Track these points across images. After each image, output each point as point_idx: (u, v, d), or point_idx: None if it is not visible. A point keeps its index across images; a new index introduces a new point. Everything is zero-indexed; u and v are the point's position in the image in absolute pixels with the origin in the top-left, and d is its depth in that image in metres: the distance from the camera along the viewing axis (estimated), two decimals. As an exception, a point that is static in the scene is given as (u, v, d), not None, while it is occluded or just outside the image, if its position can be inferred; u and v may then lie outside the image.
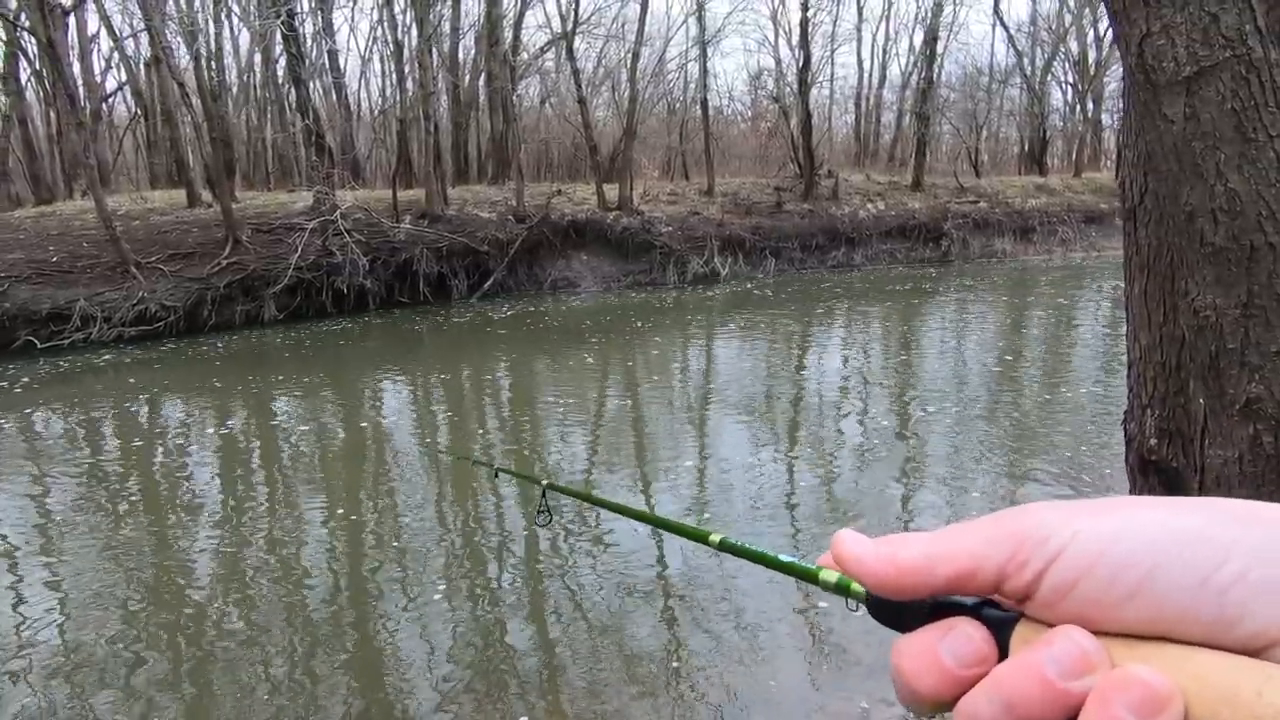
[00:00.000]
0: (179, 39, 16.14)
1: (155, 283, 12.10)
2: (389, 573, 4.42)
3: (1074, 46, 24.34)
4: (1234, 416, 1.30)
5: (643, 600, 3.97)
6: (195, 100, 15.49)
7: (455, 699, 3.26)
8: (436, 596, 4.10)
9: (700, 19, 19.36)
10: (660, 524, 0.63)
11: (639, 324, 12.77)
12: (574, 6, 17.77)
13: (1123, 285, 1.78)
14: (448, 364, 10.39)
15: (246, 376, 9.73)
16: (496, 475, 1.65)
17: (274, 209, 14.56)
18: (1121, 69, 1.53)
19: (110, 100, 21.03)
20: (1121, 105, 1.88)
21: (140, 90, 19.09)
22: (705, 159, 19.21)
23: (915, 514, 5.10)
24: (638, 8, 17.98)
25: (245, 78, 22.17)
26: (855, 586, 0.30)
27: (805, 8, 19.30)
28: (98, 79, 19.64)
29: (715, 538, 0.49)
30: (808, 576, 0.33)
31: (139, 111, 20.12)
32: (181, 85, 15.00)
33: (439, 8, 17.71)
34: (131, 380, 9.63)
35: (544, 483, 1.11)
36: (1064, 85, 25.93)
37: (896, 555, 0.27)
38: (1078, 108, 25.05)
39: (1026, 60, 24.35)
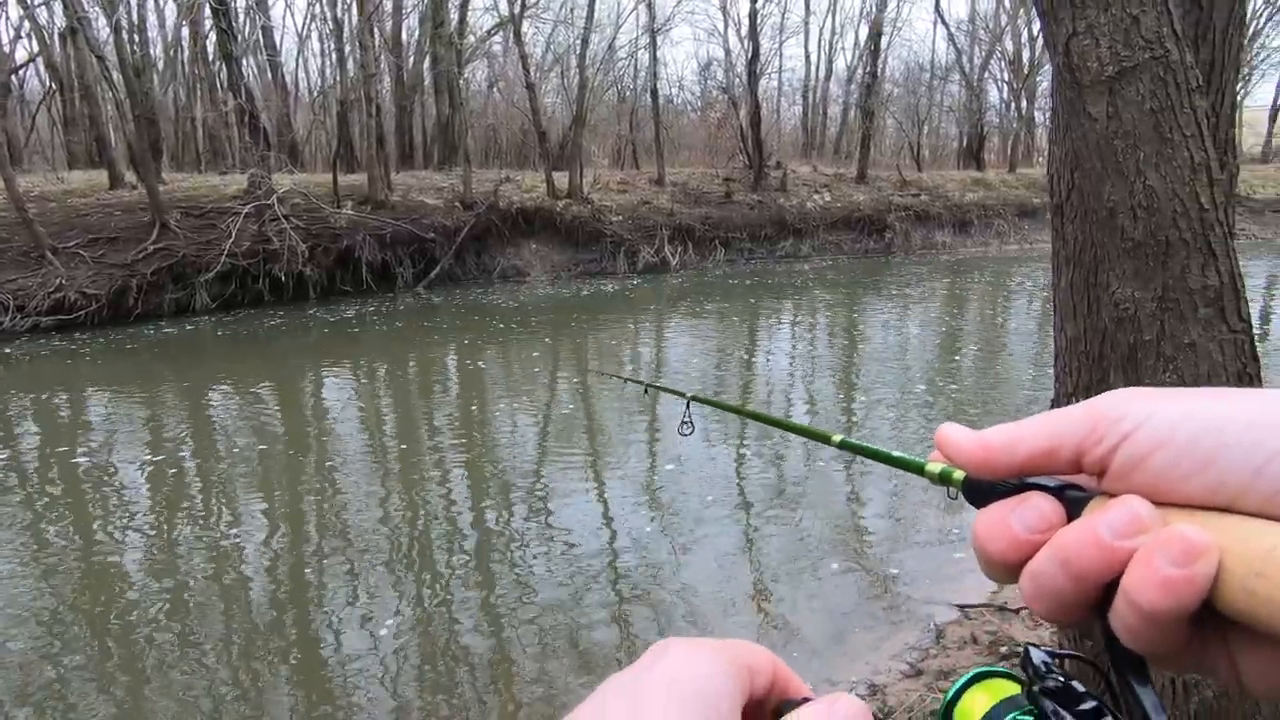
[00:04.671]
0: (97, 9, 15.15)
1: (74, 269, 11.40)
2: (331, 575, 4.30)
3: (1009, 46, 25.21)
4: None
5: (597, 591, 3.97)
6: (117, 75, 14.57)
7: (410, 707, 3.20)
8: (380, 599, 4.01)
9: (650, 7, 19.26)
10: (789, 427, 0.75)
11: (591, 313, 12.71)
12: (522, -11, 17.42)
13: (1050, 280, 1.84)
14: (394, 354, 10.13)
15: (177, 369, 9.28)
16: (646, 391, 1.84)
17: (205, 192, 13.88)
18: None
19: (21, 73, 19.63)
20: (1052, 103, 1.94)
21: (54, 63, 17.85)
22: (655, 148, 19.17)
23: (858, 490, 5.24)
24: (587, -7, 17.75)
25: (172, 53, 20.99)
26: (955, 475, 0.33)
27: (754, -1, 19.40)
28: (6, 50, 18.30)
29: (836, 438, 0.58)
30: (916, 469, 0.37)
31: (54, 86, 18.82)
32: (101, 59, 14.07)
33: (381, -14, 17.09)
34: (49, 374, 9.07)
35: (689, 395, 1.21)
36: (1000, 83, 26.85)
37: (985, 436, 0.31)
38: (1013, 105, 25.98)
39: (965, 58, 25.10)
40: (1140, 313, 1.32)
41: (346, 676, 3.35)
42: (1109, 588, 0.26)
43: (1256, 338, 1.75)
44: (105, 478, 5.79)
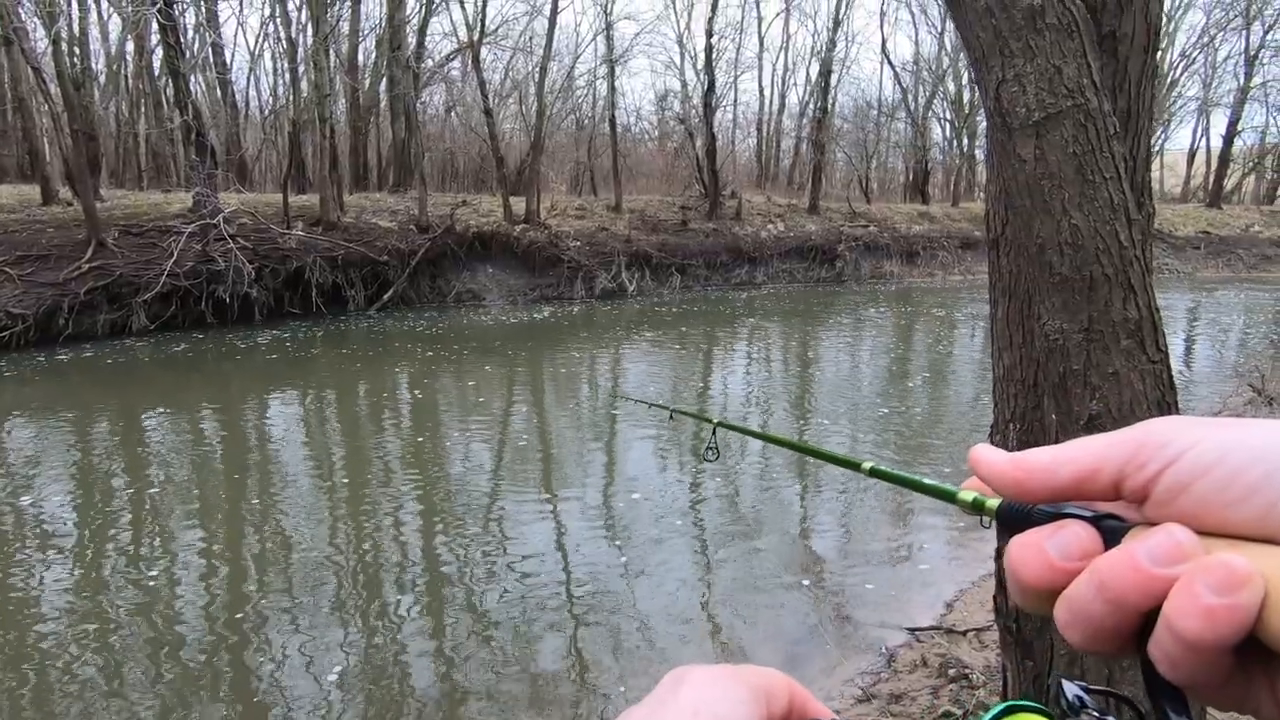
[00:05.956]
0: (36, 20, 14.63)
1: (-1, 287, 10.83)
2: (272, 616, 4.12)
3: (951, 87, 26.46)
4: (1080, 431, 1.43)
5: (551, 620, 3.89)
6: (54, 87, 14.04)
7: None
8: (326, 641, 3.86)
9: (609, 37, 19.62)
10: (818, 454, 0.75)
11: (548, 338, 12.66)
12: (480, 16, 17.55)
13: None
14: (342, 379, 9.88)
15: (110, 393, 8.85)
16: (672, 416, 1.82)
17: (146, 210, 13.41)
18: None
19: (-52, 82, 18.72)
20: (987, 143, 2.04)
21: (-14, 73, 17.10)
22: (613, 176, 19.40)
23: (811, 514, 5.30)
24: (546, 21, 18.00)
25: (115, 67, 20.36)
26: (989, 504, 0.32)
27: (710, 34, 19.97)
28: (-67, 58, 17.47)
29: (867, 465, 0.59)
30: (948, 497, 0.37)
31: (-16, 96, 18.01)
32: (37, 70, 13.54)
33: (337, 7, 17.00)
34: (-33, 397, 8.54)
35: (715, 421, 1.23)
36: (943, 121, 28.12)
37: (1024, 459, 0.30)
38: (955, 142, 27.20)
39: (910, 97, 26.24)
40: (1068, 343, 1.39)
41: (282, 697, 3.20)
42: (1146, 617, 0.25)
43: (1177, 368, 1.86)
44: (27, 509, 5.44)
